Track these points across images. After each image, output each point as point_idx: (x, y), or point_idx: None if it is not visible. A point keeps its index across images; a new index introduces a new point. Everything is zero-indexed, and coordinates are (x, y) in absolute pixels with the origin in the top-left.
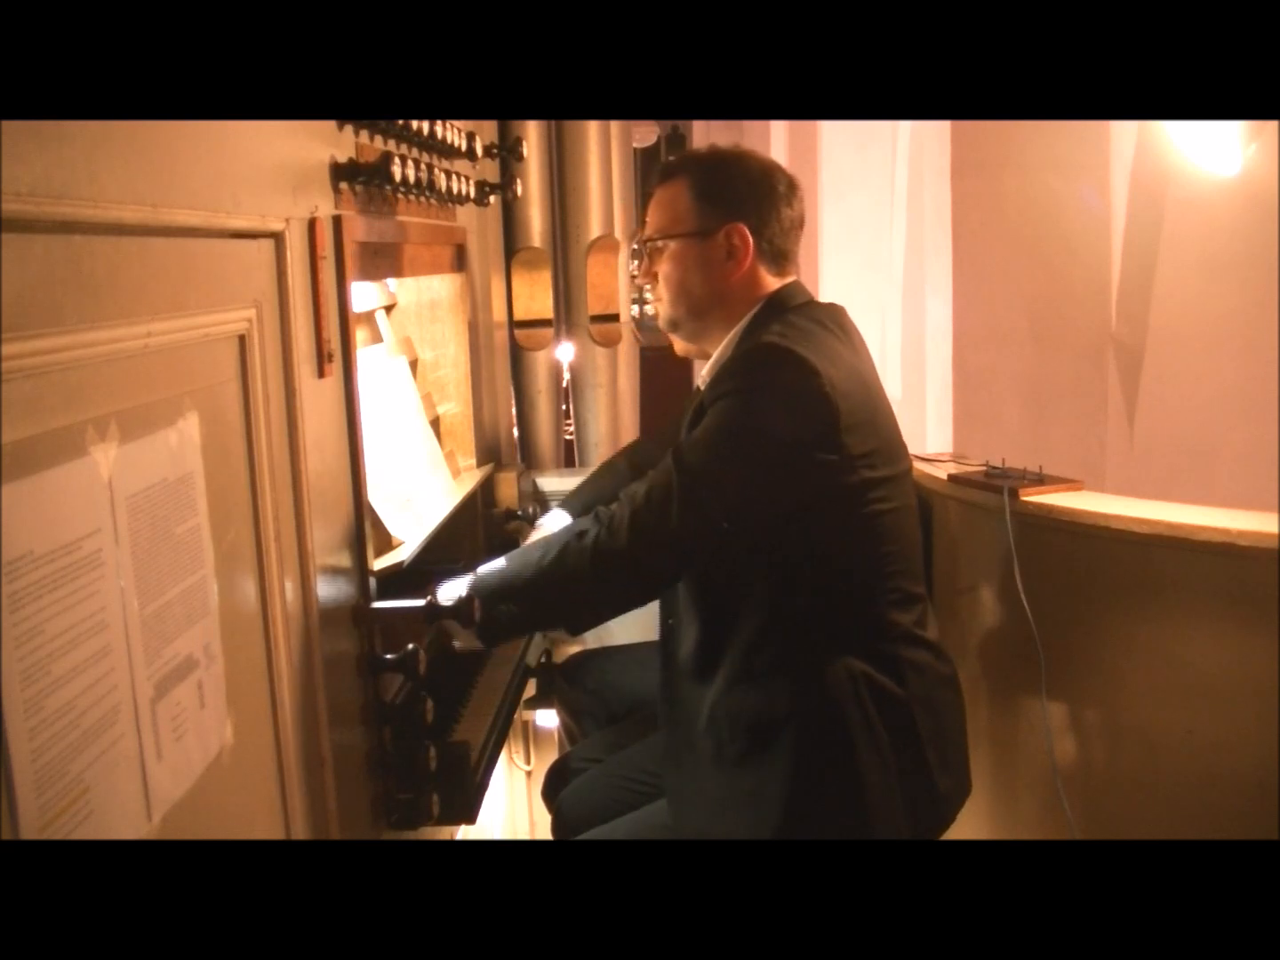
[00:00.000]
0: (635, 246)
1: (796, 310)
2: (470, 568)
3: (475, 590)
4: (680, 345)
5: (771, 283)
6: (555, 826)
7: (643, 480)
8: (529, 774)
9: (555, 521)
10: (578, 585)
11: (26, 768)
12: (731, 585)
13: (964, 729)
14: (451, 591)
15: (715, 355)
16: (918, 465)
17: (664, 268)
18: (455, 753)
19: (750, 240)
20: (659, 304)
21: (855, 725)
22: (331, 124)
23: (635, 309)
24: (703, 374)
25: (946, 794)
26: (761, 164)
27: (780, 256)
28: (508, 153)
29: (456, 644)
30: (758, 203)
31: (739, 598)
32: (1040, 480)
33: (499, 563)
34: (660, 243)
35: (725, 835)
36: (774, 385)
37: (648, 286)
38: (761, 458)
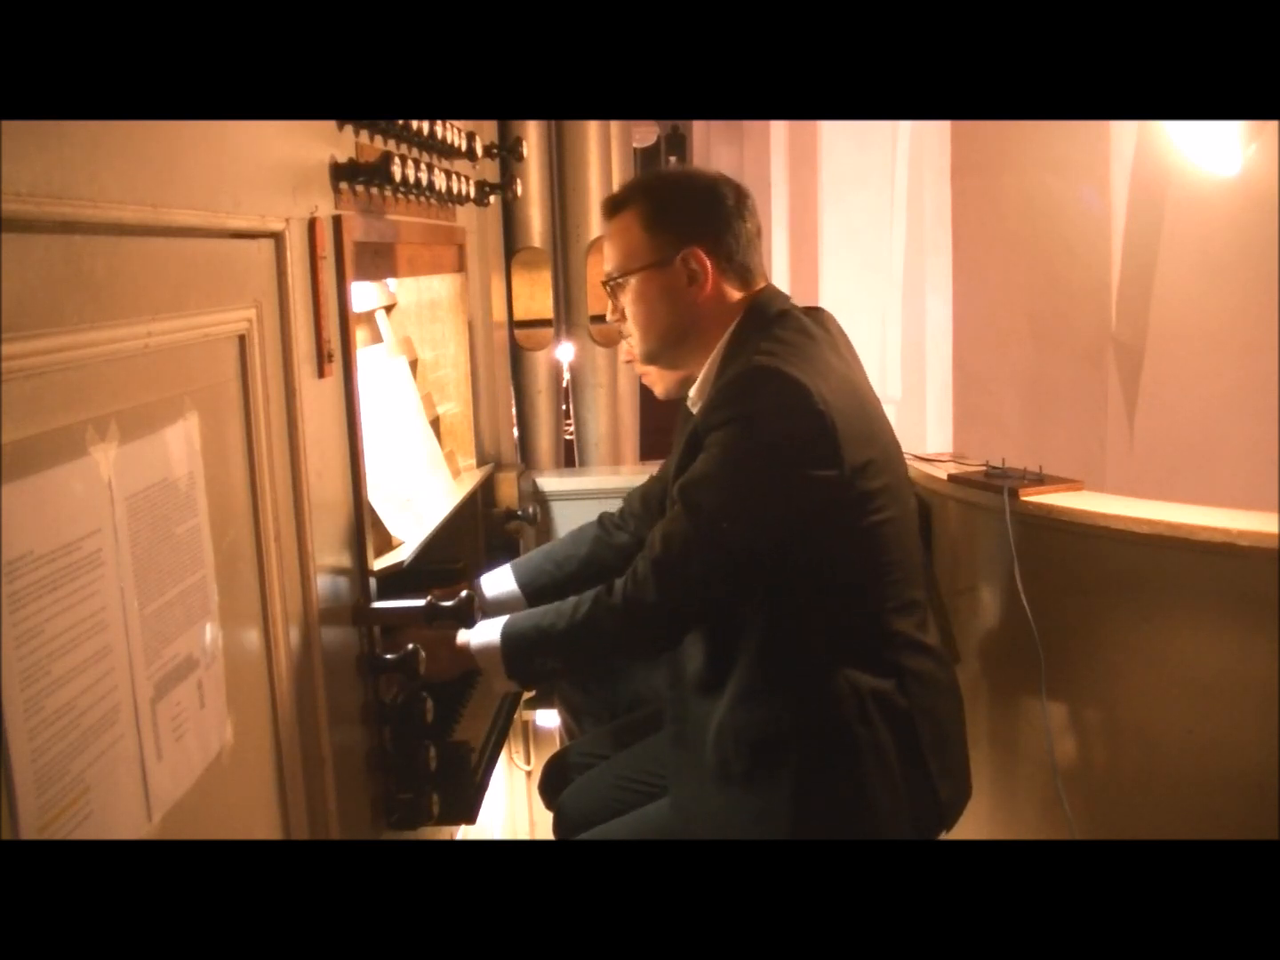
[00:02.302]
0: (603, 281)
1: (779, 320)
2: (474, 570)
3: (508, 641)
4: (661, 387)
5: (740, 296)
6: (557, 827)
7: (657, 526)
8: (529, 774)
9: (498, 582)
10: (612, 638)
11: (26, 768)
12: (735, 602)
13: (964, 734)
14: (483, 634)
15: (702, 375)
16: (918, 465)
17: (630, 305)
18: (455, 753)
19: (708, 262)
20: (631, 340)
21: (861, 741)
22: (331, 124)
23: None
24: (691, 394)
25: (947, 800)
26: (706, 180)
27: (744, 271)
28: (508, 153)
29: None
30: (709, 221)
31: (741, 616)
32: (1040, 480)
33: (531, 613)
34: (621, 280)
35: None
36: (769, 409)
37: (620, 326)
38: (766, 484)
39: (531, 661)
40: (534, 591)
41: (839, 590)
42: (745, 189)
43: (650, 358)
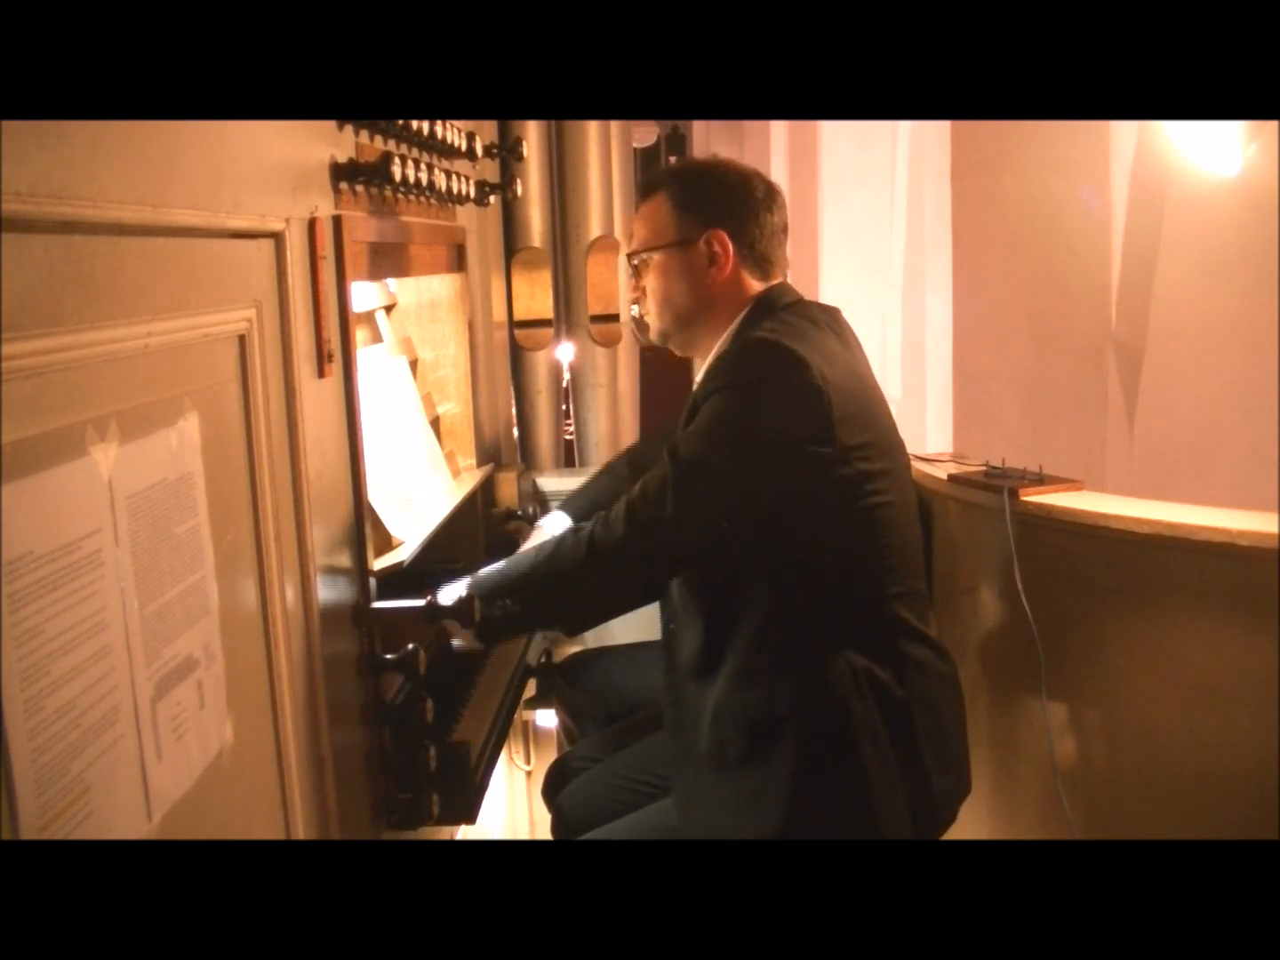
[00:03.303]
0: (627, 256)
1: (787, 309)
2: (471, 568)
3: (473, 588)
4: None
5: (757, 287)
6: (555, 826)
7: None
8: (529, 774)
9: (555, 523)
10: (574, 579)
11: (26, 768)
12: (730, 584)
13: (963, 728)
14: (452, 592)
15: (708, 360)
16: (918, 465)
17: (650, 280)
18: (455, 753)
19: (730, 246)
20: (648, 317)
21: (858, 721)
22: (331, 124)
23: (635, 309)
24: (698, 376)
25: (942, 794)
26: (739, 171)
27: (764, 262)
28: (508, 153)
29: (456, 643)
30: (735, 208)
31: (738, 596)
32: (1040, 480)
33: (499, 563)
34: (645, 256)
35: (730, 836)
36: (765, 379)
37: (638, 303)
38: (754, 449)
39: (492, 605)
40: None
41: (834, 571)
42: (778, 187)
43: (663, 336)
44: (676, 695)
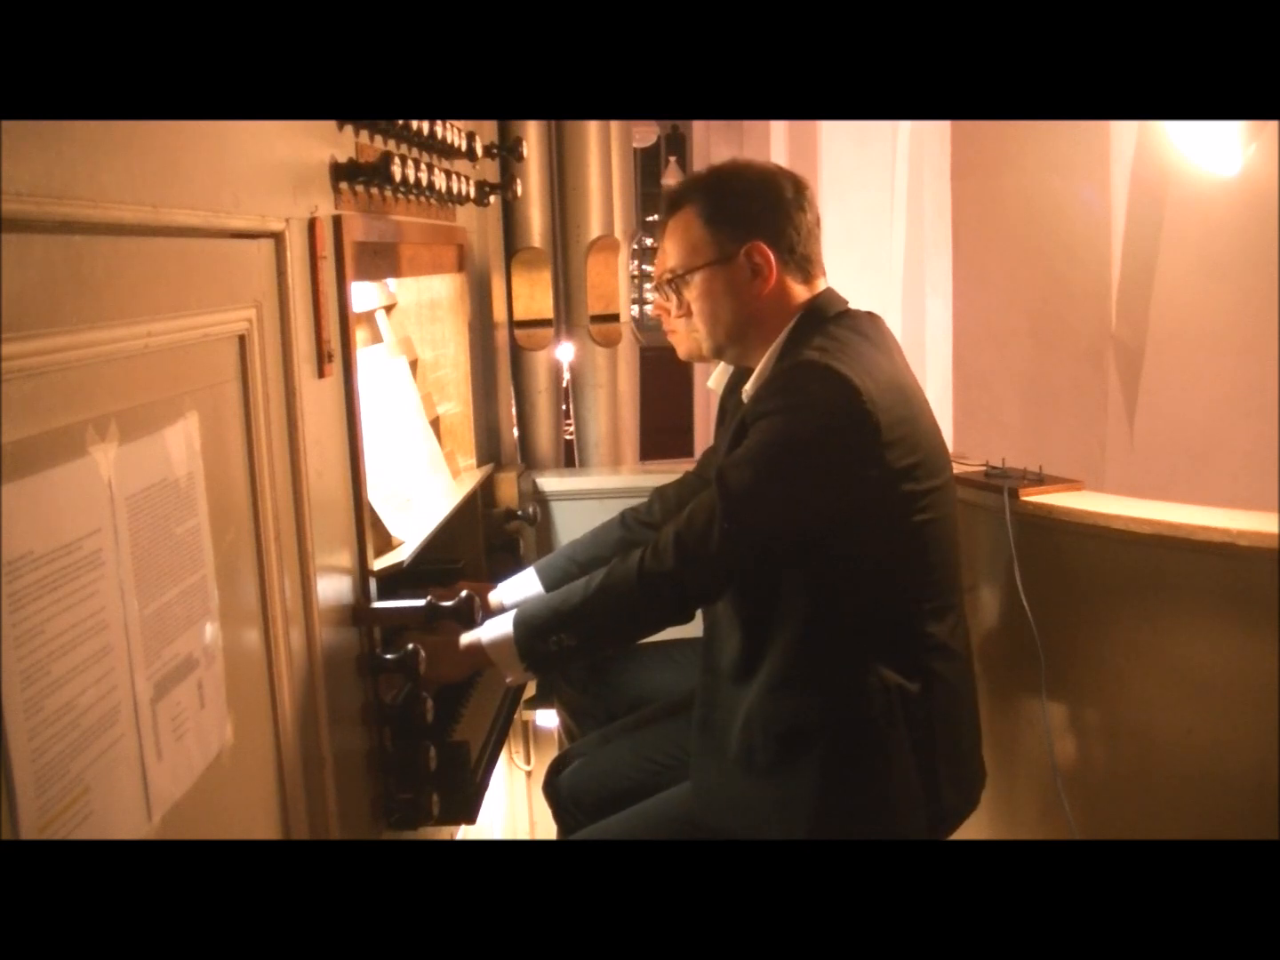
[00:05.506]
0: (666, 279)
1: (836, 320)
2: (472, 569)
3: (521, 626)
4: (684, 348)
5: (803, 292)
6: (546, 789)
7: (692, 502)
8: (529, 774)
9: (522, 585)
10: (625, 607)
11: (26, 768)
12: (773, 593)
13: (978, 745)
14: (495, 628)
15: (757, 370)
16: None
17: (694, 300)
18: (455, 753)
19: (771, 255)
20: (697, 335)
21: (886, 739)
22: (331, 124)
23: (635, 309)
24: (746, 388)
25: (950, 809)
26: (764, 173)
27: (805, 262)
28: (508, 153)
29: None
30: (769, 215)
31: (780, 606)
32: (1040, 480)
33: (541, 597)
34: (685, 276)
35: (748, 837)
36: (815, 403)
37: (683, 320)
38: (803, 476)
39: (546, 640)
40: None
41: (880, 587)
42: (803, 179)
43: (717, 351)
44: (711, 695)
